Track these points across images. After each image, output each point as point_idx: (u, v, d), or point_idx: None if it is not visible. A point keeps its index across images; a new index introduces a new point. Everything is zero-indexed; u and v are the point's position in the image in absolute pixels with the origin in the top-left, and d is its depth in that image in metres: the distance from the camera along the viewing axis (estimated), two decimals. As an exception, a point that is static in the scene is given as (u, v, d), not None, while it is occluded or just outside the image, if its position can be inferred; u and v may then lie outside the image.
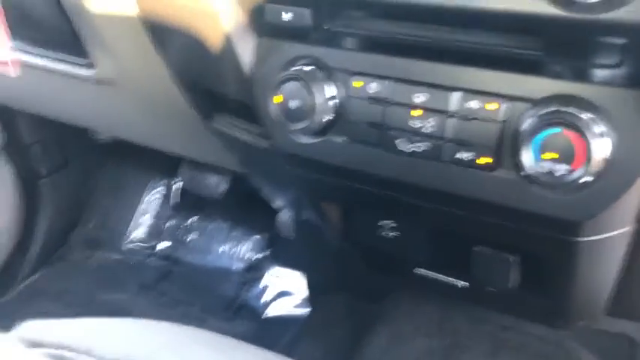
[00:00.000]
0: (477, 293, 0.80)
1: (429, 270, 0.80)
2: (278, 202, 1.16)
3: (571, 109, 0.53)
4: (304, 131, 0.66)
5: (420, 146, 0.60)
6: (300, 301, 1.49)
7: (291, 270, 1.53)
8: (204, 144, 1.05)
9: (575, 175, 0.53)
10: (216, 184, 1.59)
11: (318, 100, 0.64)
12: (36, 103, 1.28)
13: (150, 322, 0.48)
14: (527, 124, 0.55)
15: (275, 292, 1.53)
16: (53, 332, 0.35)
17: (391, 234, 0.78)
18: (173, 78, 0.86)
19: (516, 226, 0.63)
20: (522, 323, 0.99)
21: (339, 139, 0.67)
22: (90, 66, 0.96)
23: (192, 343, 0.48)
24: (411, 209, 0.69)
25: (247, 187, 1.60)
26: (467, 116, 0.58)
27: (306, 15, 0.62)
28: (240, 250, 1.64)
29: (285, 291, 1.52)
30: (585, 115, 0.52)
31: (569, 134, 0.52)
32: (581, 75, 0.54)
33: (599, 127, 0.52)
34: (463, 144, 0.58)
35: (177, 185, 1.73)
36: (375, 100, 0.62)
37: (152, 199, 1.75)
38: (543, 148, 0.53)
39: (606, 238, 0.60)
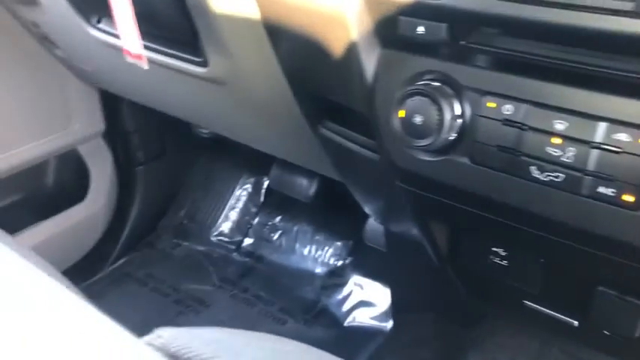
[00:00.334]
0: (587, 334, 0.75)
1: (539, 304, 0.76)
2: (370, 213, 1.13)
3: None
4: (426, 148, 0.63)
5: (558, 176, 0.56)
6: (381, 314, 1.47)
7: (374, 281, 1.50)
8: (306, 149, 1.04)
9: None
10: (307, 187, 1.59)
11: (446, 117, 0.61)
12: (144, 95, 1.32)
13: (282, 339, 0.47)
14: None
15: (356, 301, 1.51)
16: (189, 342, 0.34)
17: (504, 262, 0.74)
18: (287, 82, 0.85)
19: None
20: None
21: (461, 160, 0.63)
22: (203, 64, 0.97)
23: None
24: (532, 239, 0.65)
25: (334, 193, 1.59)
26: (614, 149, 0.53)
27: (443, 30, 0.59)
28: (323, 254, 1.63)
29: (367, 301, 1.50)
30: None
31: None
32: None
33: None
34: (606, 178, 0.54)
35: (267, 184, 1.74)
36: (509, 123, 0.58)
37: (241, 196, 1.77)
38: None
39: None
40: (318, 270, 1.61)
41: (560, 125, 0.56)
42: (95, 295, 1.49)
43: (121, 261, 1.70)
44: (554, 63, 0.57)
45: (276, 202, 1.73)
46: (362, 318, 1.48)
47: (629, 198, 0.54)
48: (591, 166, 0.55)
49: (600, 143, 0.54)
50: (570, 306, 0.73)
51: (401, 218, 0.94)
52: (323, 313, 1.51)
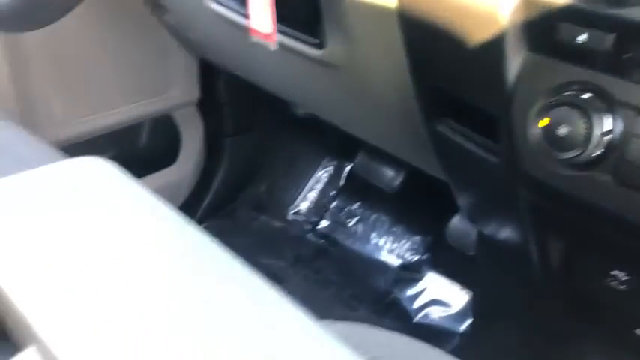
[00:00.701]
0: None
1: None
2: (467, 214, 1.11)
3: None
4: (569, 162, 0.61)
5: None
6: (454, 315, 1.44)
7: (451, 280, 1.48)
8: (411, 143, 1.02)
9: None
10: (393, 178, 1.57)
11: (595, 132, 0.58)
12: (250, 70, 1.33)
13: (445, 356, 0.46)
14: None
15: (429, 298, 1.50)
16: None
17: (622, 287, 0.71)
18: (411, 73, 0.83)
19: None
20: None
21: (604, 178, 0.60)
22: (319, 46, 0.96)
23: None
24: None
25: (418, 187, 1.57)
26: None
27: (609, 40, 0.56)
28: (399, 246, 1.61)
29: (441, 300, 1.48)
30: None
31: None
32: None
33: None
34: None
35: (349, 169, 1.73)
36: (668, 146, 0.55)
37: (322, 177, 1.77)
38: None
39: None
40: (393, 262, 1.60)
41: None
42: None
43: (201, 227, 1.73)
44: None
45: (356, 189, 1.73)
46: (434, 316, 1.46)
47: None
48: None
49: None
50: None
51: (507, 225, 0.91)
52: (394, 305, 1.51)
